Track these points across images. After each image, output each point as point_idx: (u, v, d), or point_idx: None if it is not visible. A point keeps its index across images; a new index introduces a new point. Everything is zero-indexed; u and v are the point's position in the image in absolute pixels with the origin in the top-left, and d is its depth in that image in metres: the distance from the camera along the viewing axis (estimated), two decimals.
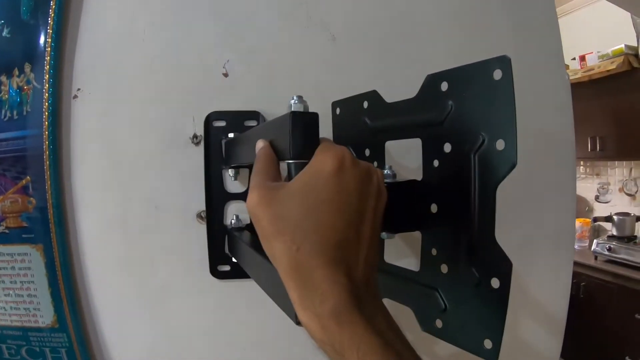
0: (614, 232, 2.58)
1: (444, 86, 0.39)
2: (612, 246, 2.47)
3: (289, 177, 0.34)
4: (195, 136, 0.62)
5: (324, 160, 0.31)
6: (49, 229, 0.65)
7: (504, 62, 0.35)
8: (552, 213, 0.76)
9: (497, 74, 0.34)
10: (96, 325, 0.68)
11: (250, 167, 0.62)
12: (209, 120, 0.62)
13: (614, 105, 2.43)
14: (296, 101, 0.34)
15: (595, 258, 2.56)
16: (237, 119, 0.62)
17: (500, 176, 0.36)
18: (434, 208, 0.43)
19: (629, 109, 2.35)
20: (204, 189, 0.63)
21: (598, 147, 2.55)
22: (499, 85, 0.35)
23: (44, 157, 0.65)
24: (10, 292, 0.69)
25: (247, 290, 0.67)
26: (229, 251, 0.63)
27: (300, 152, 0.33)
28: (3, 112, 0.67)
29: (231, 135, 0.60)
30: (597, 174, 2.96)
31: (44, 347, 0.70)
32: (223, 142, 0.62)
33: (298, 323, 0.32)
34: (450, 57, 0.67)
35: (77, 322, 0.67)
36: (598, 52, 2.55)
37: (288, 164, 0.34)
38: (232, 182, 0.64)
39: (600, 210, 2.90)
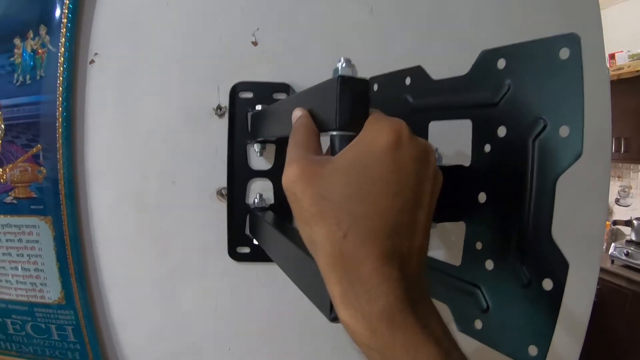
0: (633, 237, 2.51)
1: (501, 64, 0.35)
2: (630, 251, 2.40)
3: (333, 152, 0.29)
4: (219, 107, 0.58)
5: (377, 133, 0.26)
6: (59, 201, 0.62)
7: (572, 40, 0.30)
8: (583, 214, 0.71)
9: (564, 53, 0.31)
10: (104, 303, 0.65)
11: (279, 141, 0.58)
12: (235, 91, 0.58)
13: None
14: (344, 64, 0.29)
15: (612, 262, 2.50)
16: (266, 91, 0.57)
17: (562, 166, 0.32)
18: (482, 197, 0.38)
19: None
20: (226, 165, 0.59)
21: (622, 149, 2.47)
22: (565, 65, 0.31)
23: (56, 125, 0.61)
24: (17, 265, 0.66)
25: (266, 275, 0.63)
26: (250, 232, 0.59)
27: (348, 122, 0.28)
28: (15, 76, 0.63)
29: (259, 107, 0.56)
30: (619, 177, 2.87)
31: (50, 324, 0.67)
32: (249, 114, 0.58)
33: (334, 319, 0.28)
34: (495, 36, 0.61)
35: (85, 299, 0.64)
36: (628, 51, 2.45)
37: (332, 136, 0.29)
38: (256, 159, 0.60)
39: (620, 213, 2.82)
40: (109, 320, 0.65)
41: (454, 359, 0.24)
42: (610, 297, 2.37)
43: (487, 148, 0.38)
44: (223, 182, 0.60)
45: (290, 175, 0.26)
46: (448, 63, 0.40)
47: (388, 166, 0.25)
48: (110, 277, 0.63)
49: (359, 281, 0.24)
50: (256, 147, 0.58)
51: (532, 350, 0.33)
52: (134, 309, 0.64)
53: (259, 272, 0.63)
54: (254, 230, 0.57)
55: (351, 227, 0.24)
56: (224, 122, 0.59)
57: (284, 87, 0.58)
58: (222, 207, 0.60)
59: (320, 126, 0.31)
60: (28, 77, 0.63)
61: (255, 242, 0.58)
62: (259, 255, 0.61)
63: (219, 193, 0.60)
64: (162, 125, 0.59)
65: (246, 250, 0.61)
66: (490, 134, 0.37)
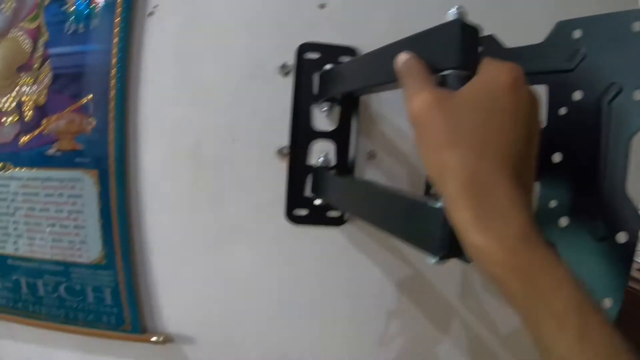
0: None
1: (577, 34, 0.38)
2: None
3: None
4: (284, 66, 0.57)
5: (498, 72, 0.27)
6: (107, 154, 0.60)
7: None
8: None
9: (637, 26, 0.34)
10: (147, 265, 0.62)
11: (346, 102, 0.58)
12: (301, 51, 0.57)
13: None
14: (456, 11, 0.31)
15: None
16: (332, 53, 0.57)
17: (636, 127, 0.34)
18: (556, 158, 0.40)
19: None
20: (290, 125, 0.58)
21: None
22: (638, 36, 0.34)
23: (110, 75, 0.59)
24: (55, 222, 0.63)
25: (320, 241, 0.62)
26: (313, 191, 0.58)
27: (467, 61, 0.29)
28: (67, 25, 0.61)
29: (328, 66, 0.56)
30: None
31: (86, 285, 0.64)
32: (316, 75, 0.57)
33: (442, 259, 0.29)
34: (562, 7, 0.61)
35: (126, 260, 0.61)
36: None
37: (447, 75, 0.30)
38: (320, 120, 0.59)
39: None
40: (150, 284, 0.62)
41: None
42: (627, 300, 2.38)
43: (563, 111, 0.40)
44: (283, 142, 0.58)
45: (422, 102, 0.27)
46: (517, 33, 0.41)
47: (510, 102, 0.27)
48: (156, 237, 0.61)
49: (493, 205, 0.25)
50: (323, 106, 0.57)
51: (607, 303, 0.34)
52: (178, 271, 0.62)
53: (313, 238, 0.61)
54: (319, 188, 0.56)
55: (486, 153, 0.26)
56: (288, 81, 0.57)
57: (350, 51, 0.58)
58: (281, 167, 0.58)
59: (432, 68, 0.32)
60: (81, 25, 0.61)
61: (317, 202, 0.57)
62: (316, 218, 0.60)
63: (280, 152, 0.58)
64: (224, 81, 0.57)
65: (304, 212, 0.60)
66: (565, 98, 0.40)
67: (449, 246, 0.28)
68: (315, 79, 0.58)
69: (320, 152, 0.58)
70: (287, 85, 0.57)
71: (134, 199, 0.60)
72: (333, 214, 0.61)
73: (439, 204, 0.30)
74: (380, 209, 0.39)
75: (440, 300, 0.66)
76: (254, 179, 0.59)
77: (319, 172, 0.57)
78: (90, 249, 0.62)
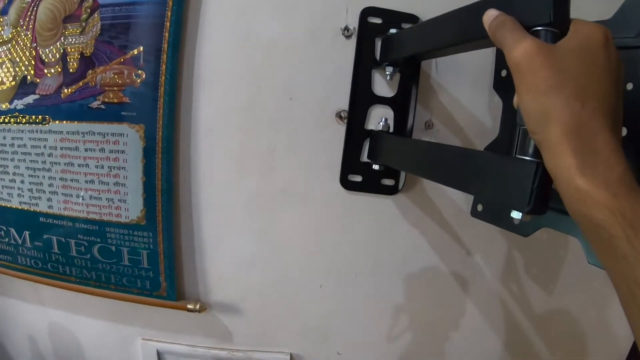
0: None
1: None
2: None
3: None
4: (346, 29, 0.55)
5: (592, 30, 0.29)
6: (157, 109, 0.57)
7: None
8: None
9: None
10: (189, 228, 0.59)
11: (408, 68, 0.56)
12: (364, 14, 0.56)
13: None
14: None
15: None
16: (395, 19, 0.56)
17: None
18: (623, 132, 0.40)
19: None
20: (350, 88, 0.56)
21: None
22: None
23: (164, 27, 0.57)
24: (94, 178, 0.61)
25: (372, 209, 0.59)
26: (371, 157, 0.57)
27: (560, 17, 0.29)
28: None
29: (393, 30, 0.55)
30: None
31: (122, 247, 0.61)
32: (378, 40, 0.56)
33: (530, 212, 0.29)
34: None
35: (169, 220, 0.59)
36: None
37: (539, 31, 0.30)
38: (380, 85, 0.57)
39: None
40: (191, 248, 0.60)
41: None
42: None
43: (630, 86, 0.40)
44: (342, 105, 0.56)
45: (527, 49, 0.28)
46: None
47: (605, 58, 0.28)
48: (201, 199, 0.58)
49: (595, 150, 0.26)
50: (387, 70, 0.55)
51: None
52: (223, 236, 0.59)
53: (366, 205, 0.59)
54: (378, 152, 0.55)
55: (588, 99, 0.26)
56: (350, 44, 0.55)
57: (413, 18, 0.57)
58: (338, 130, 0.56)
59: (522, 24, 0.32)
60: None
61: (375, 166, 0.56)
62: (370, 185, 0.59)
63: (338, 115, 0.56)
64: (284, 39, 0.55)
65: (358, 178, 0.58)
66: (633, 73, 0.39)
67: (536, 201, 0.28)
68: (377, 44, 0.57)
69: (378, 119, 0.57)
70: (348, 48, 0.55)
71: (183, 157, 0.58)
72: (387, 182, 0.59)
73: (529, 157, 0.29)
74: (452, 166, 0.38)
75: (483, 280, 0.64)
76: (309, 141, 0.57)
77: (378, 135, 0.55)
78: (130, 208, 0.60)
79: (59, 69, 0.61)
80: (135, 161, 0.58)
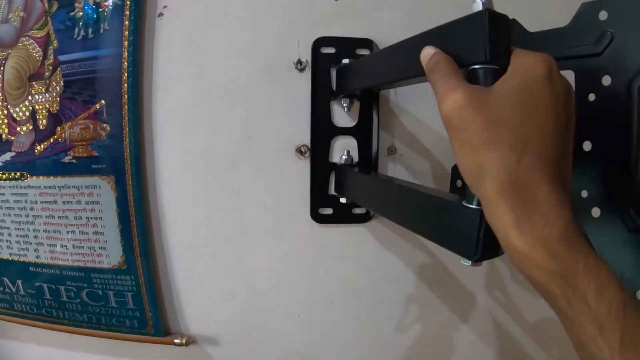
0: None
1: (603, 15, 0.36)
2: None
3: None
4: (299, 62, 0.56)
5: (532, 65, 0.26)
6: (124, 159, 0.60)
7: None
8: None
9: None
10: (168, 268, 0.62)
11: (365, 97, 0.57)
12: (316, 46, 0.56)
13: None
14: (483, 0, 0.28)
15: None
16: (348, 46, 0.56)
17: None
18: (587, 146, 0.38)
19: None
20: (309, 122, 0.57)
21: None
22: None
23: (122, 79, 0.59)
24: (74, 229, 0.63)
25: (344, 236, 0.61)
26: (337, 190, 0.58)
27: (497, 54, 0.27)
28: (76, 30, 0.61)
29: (346, 60, 0.55)
30: None
31: (108, 290, 0.64)
32: (333, 70, 0.56)
33: (477, 261, 0.28)
34: None
35: (147, 263, 0.62)
36: None
37: (476, 70, 0.28)
38: (339, 116, 0.58)
39: None
40: (172, 286, 0.63)
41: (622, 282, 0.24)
42: None
43: (592, 97, 0.38)
44: (302, 139, 0.58)
45: (456, 101, 0.26)
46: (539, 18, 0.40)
47: (548, 95, 0.26)
48: (176, 240, 0.61)
49: (534, 206, 0.24)
50: (344, 102, 0.56)
51: None
52: (200, 273, 0.62)
53: (335, 234, 0.61)
54: (343, 187, 0.55)
55: (525, 151, 0.24)
56: (304, 77, 0.57)
57: (367, 43, 0.56)
58: (300, 164, 0.58)
59: (459, 62, 0.30)
60: (90, 30, 0.60)
61: (342, 200, 0.57)
62: (342, 217, 0.60)
63: (298, 150, 0.58)
64: (238, 80, 0.57)
65: (329, 211, 0.59)
66: (594, 83, 0.38)
67: (484, 249, 0.27)
68: (333, 74, 0.57)
69: (342, 150, 0.58)
70: (303, 81, 0.57)
71: (152, 203, 0.60)
72: (358, 211, 0.60)
73: (474, 205, 0.28)
74: (409, 208, 0.38)
75: (466, 294, 0.66)
76: (273, 178, 0.59)
77: (342, 170, 0.56)
78: (111, 255, 0.63)
79: (30, 127, 0.63)
80: (110, 210, 0.61)
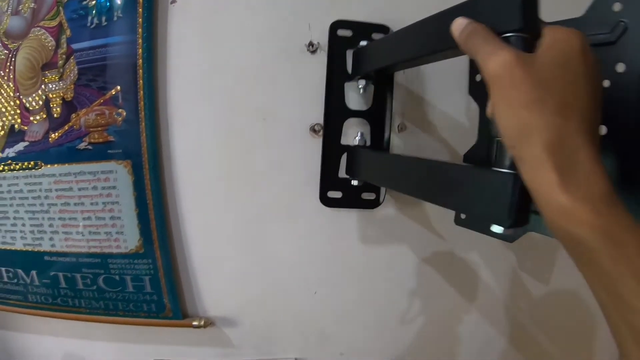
0: None
1: (617, 7, 0.38)
2: None
3: None
4: (311, 44, 0.58)
5: (568, 36, 0.27)
6: (140, 144, 0.61)
7: None
8: None
9: None
10: (185, 250, 0.63)
11: (381, 80, 0.57)
12: (333, 29, 0.57)
13: None
14: None
15: None
16: (365, 31, 0.57)
17: None
18: (602, 130, 0.40)
19: None
20: (323, 103, 0.57)
21: None
22: None
23: (137, 65, 0.60)
24: (90, 215, 0.64)
25: (356, 217, 0.63)
26: (349, 172, 0.57)
27: (531, 22, 0.28)
28: (90, 19, 0.62)
29: (363, 42, 0.55)
30: None
31: (125, 275, 0.65)
32: (349, 53, 0.57)
33: (511, 226, 0.28)
34: None
35: (165, 247, 0.62)
36: None
37: (510, 37, 0.29)
38: (353, 99, 0.58)
39: None
40: (189, 269, 0.63)
41: None
42: None
43: (607, 83, 0.40)
44: (316, 119, 0.59)
45: (507, 60, 0.26)
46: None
47: (584, 67, 0.27)
48: (192, 222, 0.62)
49: (577, 166, 0.25)
50: (360, 83, 0.56)
51: None
52: (216, 254, 0.63)
53: (348, 216, 0.62)
54: (356, 168, 0.55)
55: (571, 114, 0.26)
56: (316, 58, 0.58)
57: (383, 28, 0.57)
58: (314, 145, 0.59)
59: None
60: (104, 18, 0.61)
61: (354, 182, 0.56)
62: (350, 201, 0.60)
63: (312, 129, 0.59)
64: (252, 63, 0.58)
65: (338, 195, 0.59)
66: (609, 70, 0.39)
67: (517, 214, 0.27)
68: (349, 57, 0.58)
69: (354, 133, 0.58)
70: (315, 62, 0.58)
71: (169, 186, 0.61)
72: (367, 196, 0.60)
73: (506, 169, 0.28)
74: (430, 181, 0.38)
75: (473, 276, 0.67)
76: (287, 158, 0.60)
77: (355, 151, 0.55)
78: (128, 239, 0.63)
79: (44, 116, 0.64)
80: (127, 195, 0.62)
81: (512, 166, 0.28)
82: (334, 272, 0.64)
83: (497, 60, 0.27)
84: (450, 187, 0.35)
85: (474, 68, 0.53)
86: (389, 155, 0.51)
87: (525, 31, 0.28)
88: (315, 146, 0.59)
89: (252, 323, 0.65)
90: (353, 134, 0.58)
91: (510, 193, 0.27)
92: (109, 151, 0.62)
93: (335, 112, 0.58)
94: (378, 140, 0.58)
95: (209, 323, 0.64)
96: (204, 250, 0.62)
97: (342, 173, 0.59)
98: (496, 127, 0.28)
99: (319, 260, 0.63)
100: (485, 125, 0.51)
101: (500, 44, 0.28)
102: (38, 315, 0.71)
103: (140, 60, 0.60)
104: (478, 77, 0.53)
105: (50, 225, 0.66)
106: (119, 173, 0.62)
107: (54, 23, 0.63)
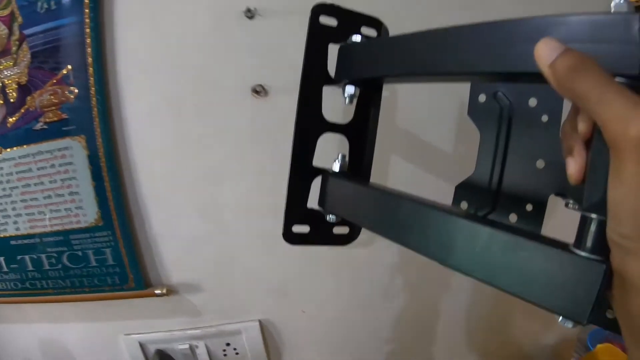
0: None
1: None
2: None
3: None
4: (248, 10, 0.60)
5: None
6: (92, 118, 0.63)
7: None
8: None
9: None
10: (143, 219, 0.65)
11: (369, 87, 0.44)
12: (315, 13, 0.41)
13: None
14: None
15: None
16: (354, 22, 0.42)
17: None
18: (544, 118, 0.37)
19: None
20: (296, 113, 0.42)
21: None
22: None
23: (85, 44, 0.62)
24: (50, 193, 0.66)
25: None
26: (322, 205, 0.43)
27: None
28: (39, 4, 0.64)
29: (357, 37, 0.41)
30: None
31: (87, 250, 0.66)
32: (333, 46, 0.42)
33: (588, 323, 0.23)
34: None
35: (122, 216, 0.64)
36: None
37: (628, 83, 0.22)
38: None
39: None
40: (148, 237, 0.65)
41: None
42: None
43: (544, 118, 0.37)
44: (257, 79, 0.61)
45: None
46: None
47: None
48: (148, 191, 0.64)
49: None
50: (347, 90, 0.41)
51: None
52: (172, 219, 0.64)
53: None
54: (333, 201, 0.43)
55: None
56: (255, 24, 0.60)
57: (376, 23, 0.43)
58: (258, 104, 0.61)
59: None
60: (53, 2, 0.64)
61: (330, 218, 0.44)
62: (319, 237, 0.46)
63: (254, 90, 0.61)
64: (192, 31, 0.60)
65: (305, 229, 0.45)
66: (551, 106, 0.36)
67: (597, 309, 0.22)
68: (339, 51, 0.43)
69: (330, 152, 0.44)
70: (253, 27, 0.60)
71: (124, 157, 0.63)
72: (340, 230, 0.46)
73: (591, 255, 0.22)
74: (455, 242, 0.28)
75: None
76: (232, 120, 0.62)
77: (332, 179, 0.42)
78: (87, 213, 0.65)
79: (1, 102, 0.66)
80: (83, 169, 0.64)
81: (598, 250, 0.22)
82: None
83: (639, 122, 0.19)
84: (491, 258, 0.26)
85: (477, 86, 0.42)
86: (383, 193, 0.37)
87: (639, 79, 0.21)
88: (258, 106, 0.61)
89: (214, 288, 0.66)
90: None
91: (598, 285, 0.22)
92: (64, 128, 0.64)
93: (309, 124, 0.43)
94: (356, 163, 0.46)
95: (171, 291, 0.65)
96: (161, 217, 0.64)
97: (312, 201, 0.45)
98: (592, 202, 0.22)
99: (273, 215, 0.64)
100: (490, 151, 0.40)
101: (634, 97, 0.20)
102: (9, 303, 0.72)
103: (89, 39, 0.62)
104: (482, 98, 0.41)
105: (14, 209, 0.68)
106: (75, 149, 0.64)
107: (6, 12, 0.66)
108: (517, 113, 0.39)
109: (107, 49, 0.62)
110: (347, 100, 0.42)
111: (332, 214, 0.43)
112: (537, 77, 0.23)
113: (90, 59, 0.62)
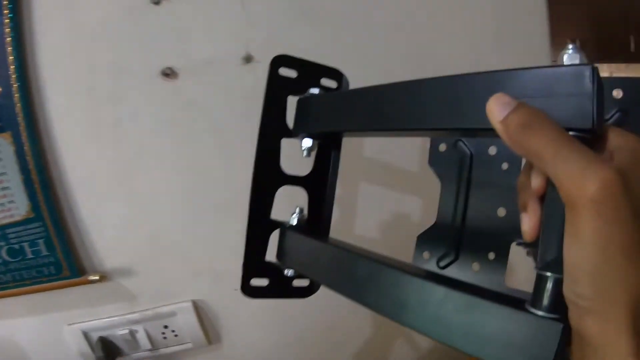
0: None
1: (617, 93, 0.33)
2: None
3: None
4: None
5: (635, 143, 0.21)
6: (16, 113, 0.65)
7: None
8: None
9: None
10: (73, 208, 0.67)
11: (328, 139, 0.44)
12: (274, 65, 0.42)
13: (596, 6, 2.35)
14: (572, 51, 0.23)
15: None
16: (314, 73, 0.43)
17: None
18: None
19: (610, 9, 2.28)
20: (254, 166, 0.42)
21: None
22: None
23: (5, 42, 0.65)
24: None
25: (223, 136, 0.66)
26: (280, 258, 0.43)
27: (600, 123, 0.21)
28: None
29: (315, 90, 0.42)
30: None
31: (23, 242, 0.68)
32: (291, 99, 0.43)
33: None
34: None
35: (51, 206, 0.66)
36: None
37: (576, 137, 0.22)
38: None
39: None
40: (79, 225, 0.67)
41: None
42: None
43: (505, 166, 0.38)
44: (167, 62, 0.63)
45: (607, 179, 0.18)
46: None
47: None
48: (73, 180, 0.66)
49: None
50: (306, 143, 0.41)
51: None
52: (100, 206, 0.66)
53: (216, 140, 0.66)
54: (291, 256, 0.43)
55: None
56: (158, 8, 0.63)
57: (336, 75, 0.44)
58: (169, 86, 0.63)
59: None
60: None
61: (288, 272, 0.44)
62: (278, 290, 0.45)
63: (163, 73, 0.63)
64: (104, 20, 0.63)
65: (264, 282, 0.44)
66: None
67: None
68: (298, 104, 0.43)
69: (287, 205, 0.44)
70: (157, 11, 0.62)
71: (49, 149, 0.65)
72: (300, 283, 0.46)
73: (548, 314, 0.21)
74: (412, 304, 0.28)
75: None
76: (146, 104, 0.64)
77: (289, 234, 0.43)
78: (19, 206, 0.67)
79: None
80: (11, 164, 0.66)
81: (554, 308, 0.21)
82: (216, 201, 0.66)
83: (596, 179, 0.18)
84: (447, 317, 0.26)
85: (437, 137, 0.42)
86: (339, 250, 0.37)
87: (592, 133, 0.21)
88: (169, 88, 0.63)
89: (146, 271, 0.68)
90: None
91: (555, 347, 0.21)
92: None
93: (266, 177, 0.43)
94: (316, 216, 0.45)
95: (105, 277, 0.67)
96: (89, 205, 0.66)
97: (271, 253, 0.44)
98: (546, 260, 0.21)
99: (199, 194, 0.66)
100: (450, 201, 0.40)
101: (589, 153, 0.20)
102: None
103: (9, 38, 0.65)
104: (442, 147, 0.42)
105: None
106: (2, 145, 0.66)
107: None
108: (478, 162, 0.39)
109: (26, 44, 0.65)
110: (304, 153, 0.42)
111: (290, 269, 0.43)
112: (492, 132, 0.22)
113: (11, 57, 0.65)
